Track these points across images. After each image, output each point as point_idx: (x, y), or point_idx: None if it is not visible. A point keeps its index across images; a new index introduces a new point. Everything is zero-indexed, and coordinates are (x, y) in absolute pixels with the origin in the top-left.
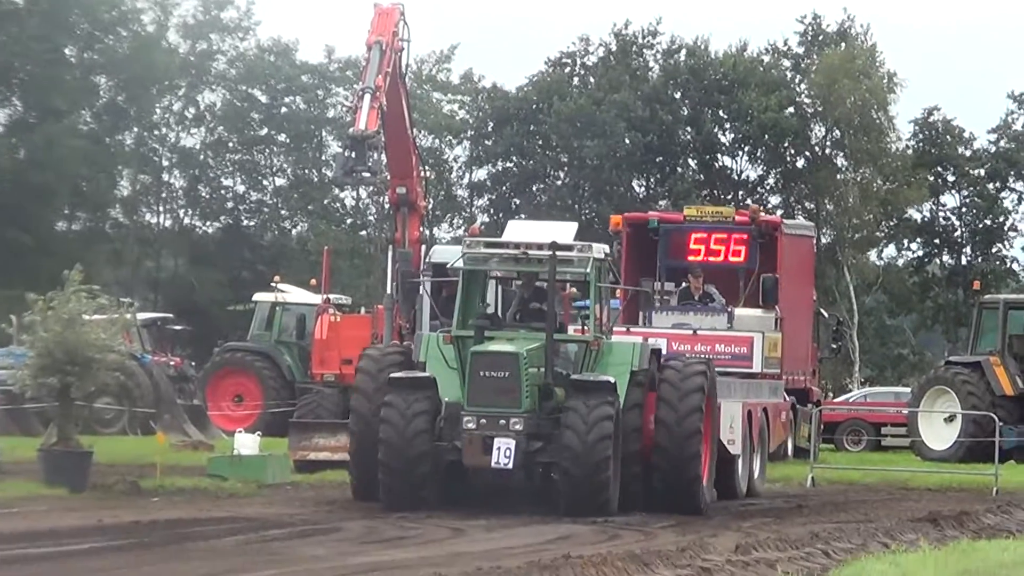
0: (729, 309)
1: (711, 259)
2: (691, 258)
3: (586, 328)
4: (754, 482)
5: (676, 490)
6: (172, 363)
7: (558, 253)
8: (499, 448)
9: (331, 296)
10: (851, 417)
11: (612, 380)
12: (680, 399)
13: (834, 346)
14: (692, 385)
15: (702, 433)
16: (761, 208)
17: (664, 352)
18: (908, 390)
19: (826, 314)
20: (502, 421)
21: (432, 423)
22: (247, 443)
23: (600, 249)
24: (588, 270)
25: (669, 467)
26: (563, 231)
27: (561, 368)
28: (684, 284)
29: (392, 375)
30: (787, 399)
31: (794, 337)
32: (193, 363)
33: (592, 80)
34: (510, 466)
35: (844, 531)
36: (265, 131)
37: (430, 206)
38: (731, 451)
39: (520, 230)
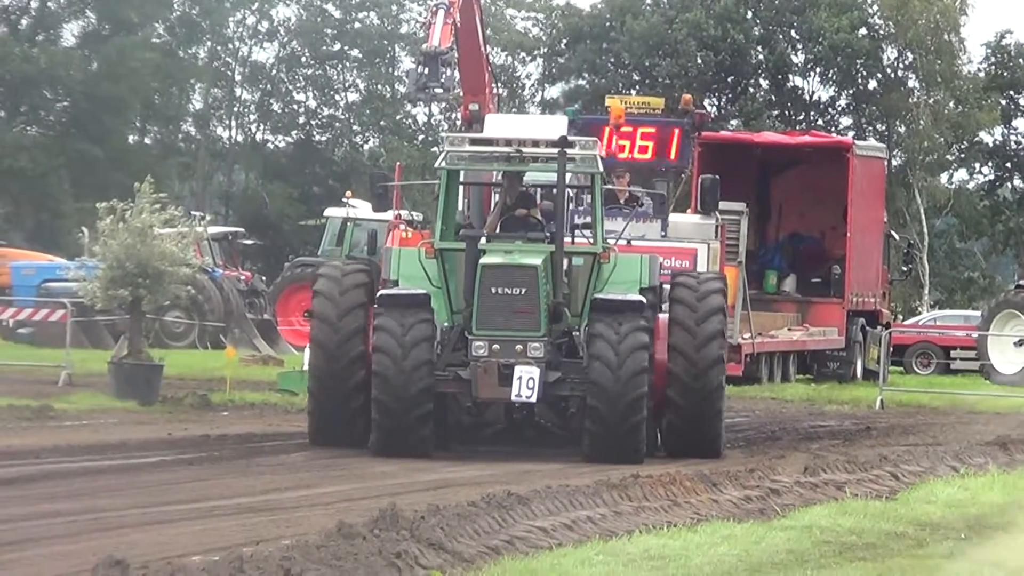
0: (662, 216)
1: (637, 156)
2: (618, 156)
3: (585, 239)
4: None
5: (694, 427)
6: (242, 277)
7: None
8: (520, 378)
9: (402, 212)
10: (920, 340)
11: (642, 299)
12: (698, 323)
13: (904, 269)
14: (711, 306)
15: (724, 362)
16: (694, 99)
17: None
18: (978, 314)
19: (897, 237)
20: (518, 347)
21: (432, 350)
22: None
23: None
24: (599, 169)
25: (687, 402)
26: (553, 125)
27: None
28: (607, 185)
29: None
30: None
31: (864, 259)
32: (263, 278)
33: None
34: (533, 399)
35: (913, 454)
36: (338, 46)
37: None
38: None
39: (503, 125)
